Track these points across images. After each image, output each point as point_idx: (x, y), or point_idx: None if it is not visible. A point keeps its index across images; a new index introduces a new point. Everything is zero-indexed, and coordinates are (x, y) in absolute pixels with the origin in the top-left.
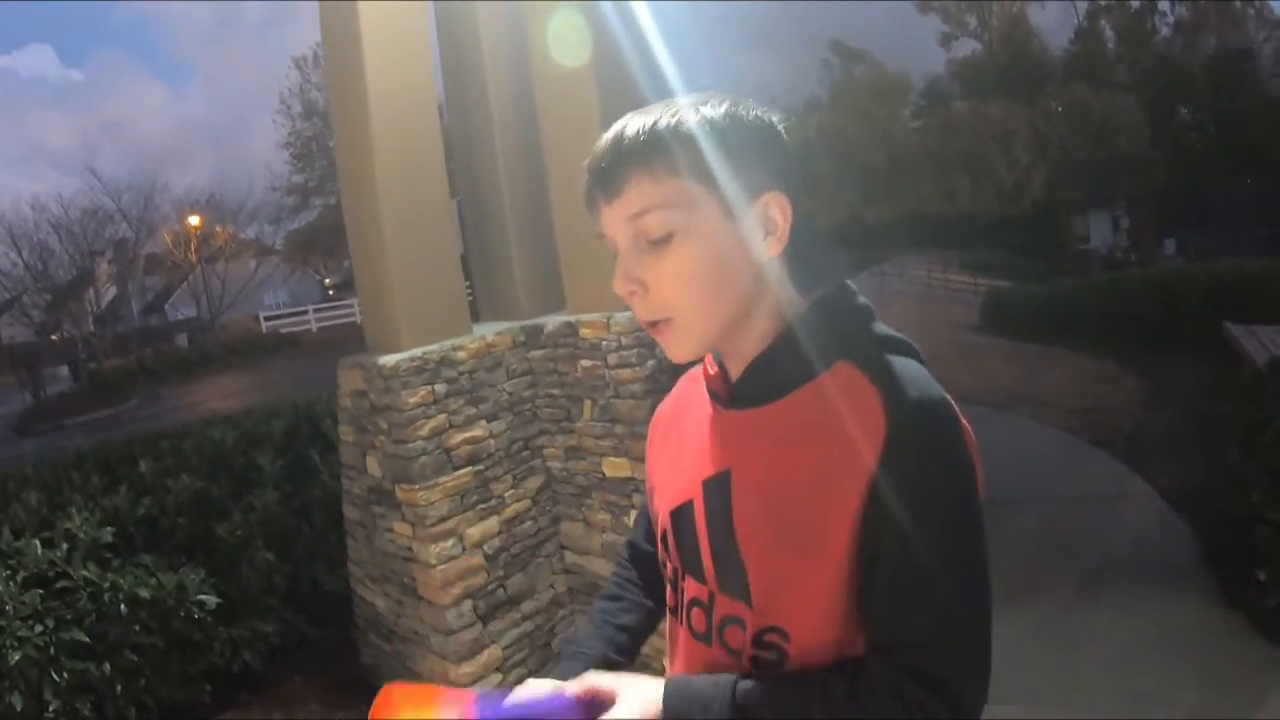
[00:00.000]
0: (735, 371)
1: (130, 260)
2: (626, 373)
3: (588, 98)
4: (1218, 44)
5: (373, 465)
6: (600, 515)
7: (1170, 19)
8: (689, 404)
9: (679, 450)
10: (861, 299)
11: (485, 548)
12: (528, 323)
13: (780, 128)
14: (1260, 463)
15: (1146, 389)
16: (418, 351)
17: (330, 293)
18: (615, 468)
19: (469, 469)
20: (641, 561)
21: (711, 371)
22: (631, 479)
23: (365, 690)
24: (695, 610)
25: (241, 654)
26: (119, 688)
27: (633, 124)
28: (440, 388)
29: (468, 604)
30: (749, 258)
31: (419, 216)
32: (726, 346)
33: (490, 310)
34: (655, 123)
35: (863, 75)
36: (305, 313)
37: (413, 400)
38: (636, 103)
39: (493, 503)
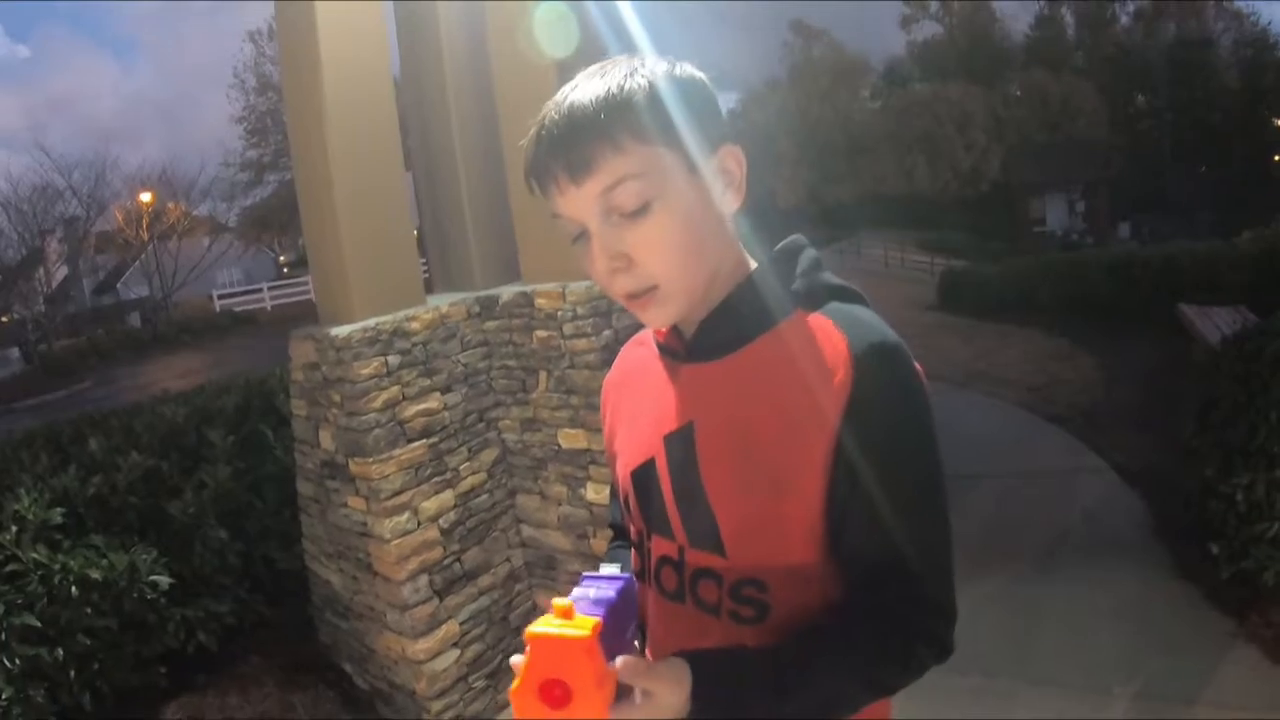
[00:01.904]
0: (690, 327)
1: (81, 239)
2: (582, 343)
3: (544, 66)
4: (1177, 33)
5: (325, 439)
6: (557, 488)
7: (1130, 7)
8: (637, 367)
9: (634, 412)
10: (812, 250)
11: (441, 521)
12: (482, 293)
13: (706, 81)
14: (1213, 438)
15: (1101, 367)
16: (370, 322)
17: (285, 270)
18: (571, 439)
19: (423, 441)
20: (621, 532)
21: (663, 329)
22: (588, 450)
23: (324, 669)
24: (665, 569)
25: (196, 635)
26: (72, 673)
27: (583, 94)
28: (393, 359)
29: (424, 579)
30: (715, 213)
31: (371, 186)
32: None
33: (445, 282)
34: (609, 91)
35: (822, 55)
36: (259, 291)
37: (365, 372)
38: (594, 62)
39: (448, 476)
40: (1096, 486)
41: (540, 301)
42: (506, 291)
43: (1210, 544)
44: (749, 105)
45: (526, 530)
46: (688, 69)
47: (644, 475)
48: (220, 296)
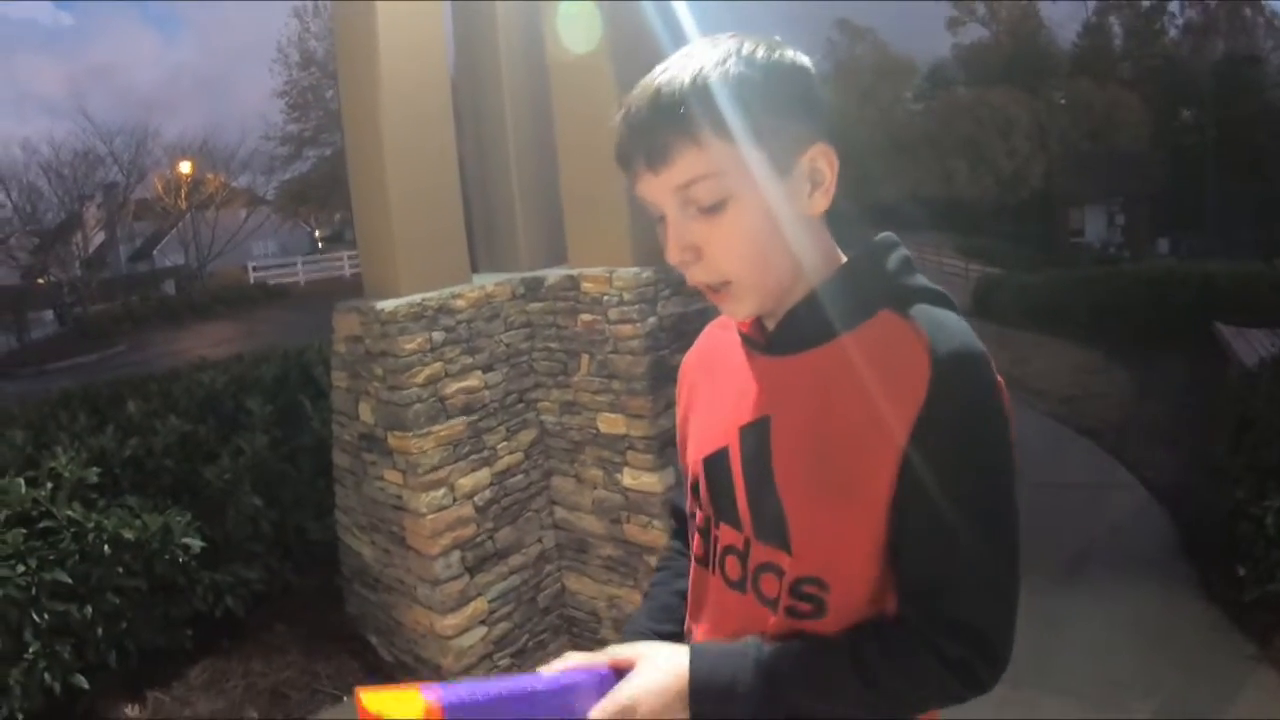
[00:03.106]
0: (774, 319)
1: (120, 205)
2: (627, 328)
3: (599, 49)
4: (1225, 49)
5: (365, 412)
6: (593, 471)
7: (1179, 21)
8: (719, 351)
9: (711, 398)
10: (904, 250)
11: (476, 499)
12: (528, 274)
13: (814, 74)
14: (1246, 460)
15: (1134, 382)
16: (416, 298)
17: (319, 245)
18: (610, 424)
19: (462, 419)
20: (683, 521)
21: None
22: (625, 436)
23: (349, 639)
24: (729, 558)
25: (224, 599)
26: (100, 630)
27: (671, 79)
28: (437, 335)
29: (456, 555)
30: (798, 213)
31: (422, 161)
32: (779, 301)
33: (489, 261)
34: (695, 79)
35: (866, 54)
36: (294, 264)
37: (409, 347)
38: (646, 58)
39: (485, 454)
40: (1125, 501)
41: (586, 285)
42: (552, 274)
43: (1238, 565)
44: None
45: (560, 512)
46: (788, 57)
47: (717, 463)
48: (255, 268)
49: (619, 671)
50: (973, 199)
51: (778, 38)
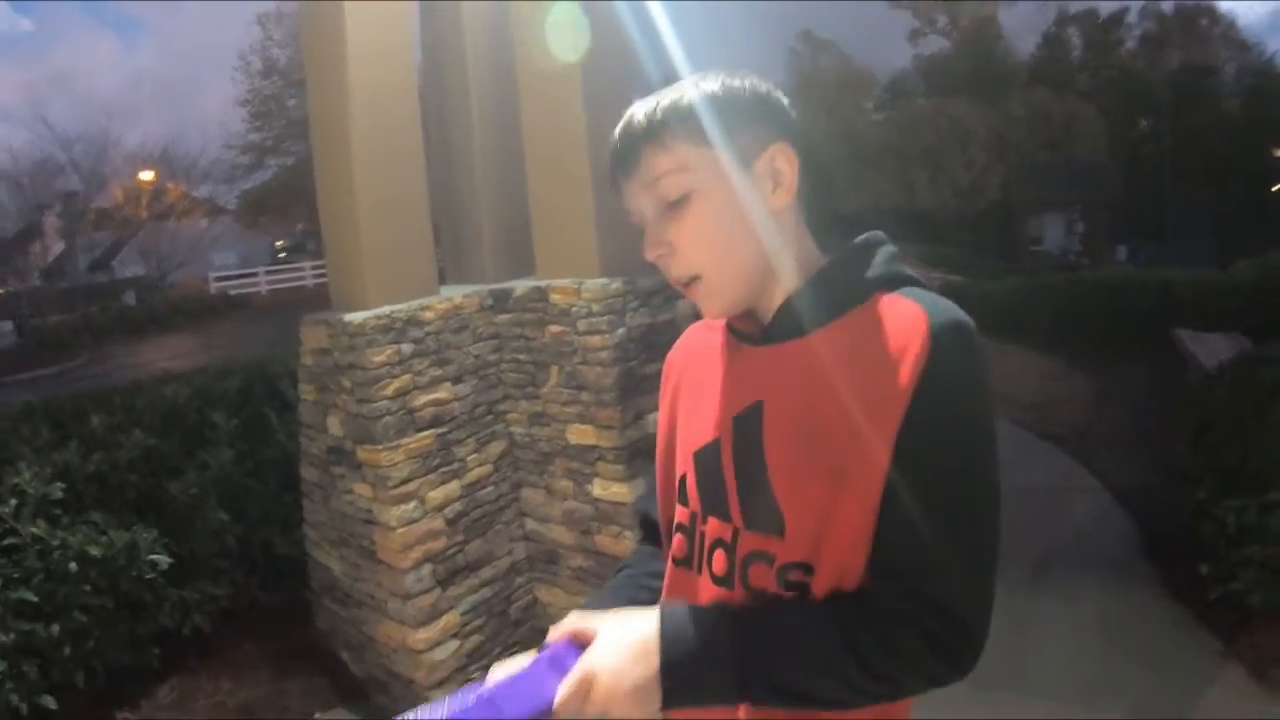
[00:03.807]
0: (767, 311)
1: (79, 214)
2: (596, 339)
3: (566, 60)
4: (1182, 59)
5: (334, 425)
6: (562, 483)
7: (1137, 32)
8: (704, 349)
9: (699, 394)
10: (891, 245)
11: (446, 512)
12: (495, 286)
13: (776, 93)
14: (1206, 461)
15: (1096, 387)
16: (385, 310)
17: (280, 255)
18: (580, 435)
19: (431, 431)
20: (654, 529)
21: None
22: (595, 447)
23: (319, 655)
24: (717, 552)
25: (192, 617)
26: (67, 650)
27: (640, 108)
28: (406, 347)
29: (427, 568)
30: (763, 209)
31: (391, 172)
32: (755, 297)
33: (456, 272)
34: (659, 103)
35: (829, 67)
36: (255, 275)
37: (378, 359)
38: (614, 69)
39: (454, 466)
40: (1089, 505)
41: (555, 297)
42: (520, 285)
43: (1200, 565)
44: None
45: (530, 524)
46: (749, 80)
47: (708, 456)
48: (215, 279)
49: (582, 645)
50: (933, 209)
51: (745, 70)
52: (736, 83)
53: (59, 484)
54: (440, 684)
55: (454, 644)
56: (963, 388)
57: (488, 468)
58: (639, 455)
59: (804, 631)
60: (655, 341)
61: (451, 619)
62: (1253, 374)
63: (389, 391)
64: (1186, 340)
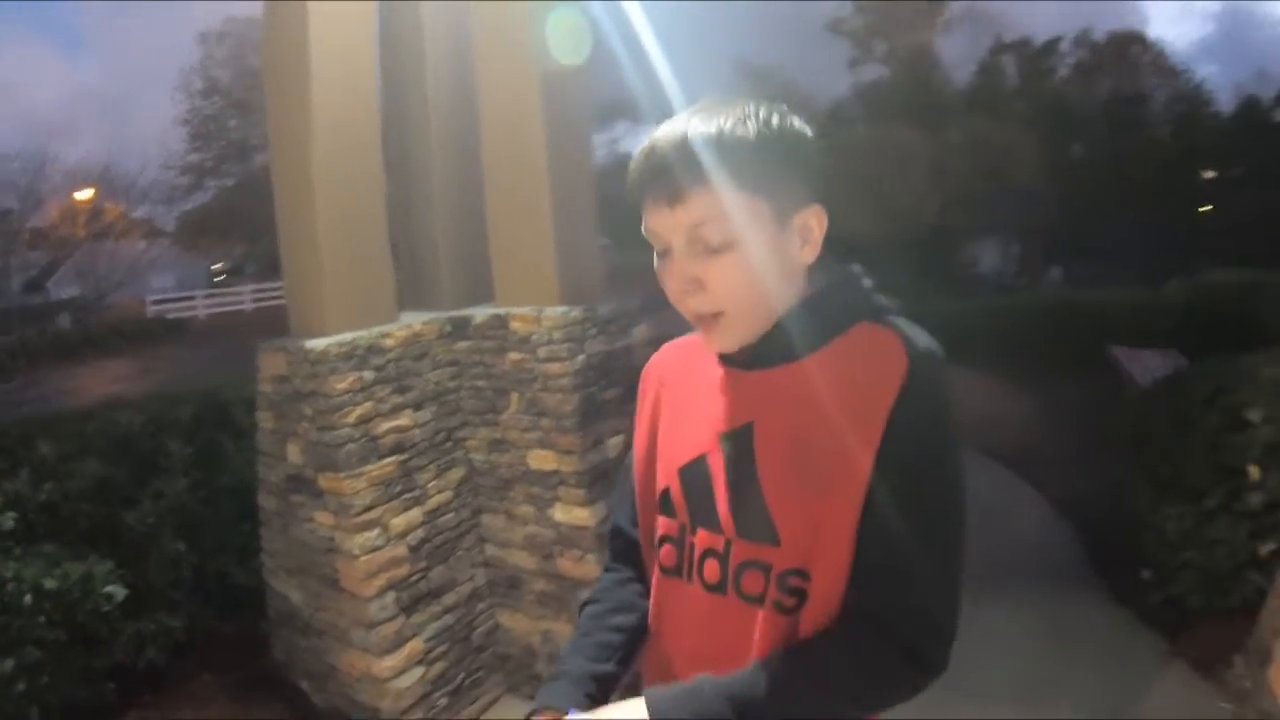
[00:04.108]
0: (753, 338)
1: (14, 234)
2: (556, 366)
3: (528, 84)
4: (1114, 87)
5: (293, 452)
6: (523, 508)
7: (1070, 60)
8: (685, 368)
9: (683, 411)
10: (869, 279)
11: (409, 539)
12: (454, 313)
13: (817, 148)
14: (1144, 473)
15: (1037, 405)
16: (347, 336)
17: (218, 279)
18: (541, 460)
19: (394, 458)
20: (627, 544)
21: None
22: (556, 472)
23: (278, 686)
24: (709, 561)
25: (147, 650)
26: (21, 685)
27: (696, 128)
28: (368, 375)
29: (390, 595)
30: (789, 263)
31: (352, 200)
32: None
33: (413, 298)
34: (719, 131)
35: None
36: (193, 298)
37: (341, 386)
38: (576, 100)
39: (416, 493)
40: (1033, 518)
41: (515, 324)
42: (479, 313)
43: (1142, 571)
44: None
45: (490, 549)
46: (795, 125)
47: (694, 471)
48: (153, 302)
49: None
50: (874, 235)
51: (784, 106)
52: (788, 127)
53: (10, 514)
54: (405, 711)
55: (419, 671)
56: (934, 411)
57: (448, 494)
58: (599, 479)
59: (791, 690)
60: (613, 368)
61: (416, 646)
62: (1186, 388)
63: (351, 419)
64: (1122, 358)
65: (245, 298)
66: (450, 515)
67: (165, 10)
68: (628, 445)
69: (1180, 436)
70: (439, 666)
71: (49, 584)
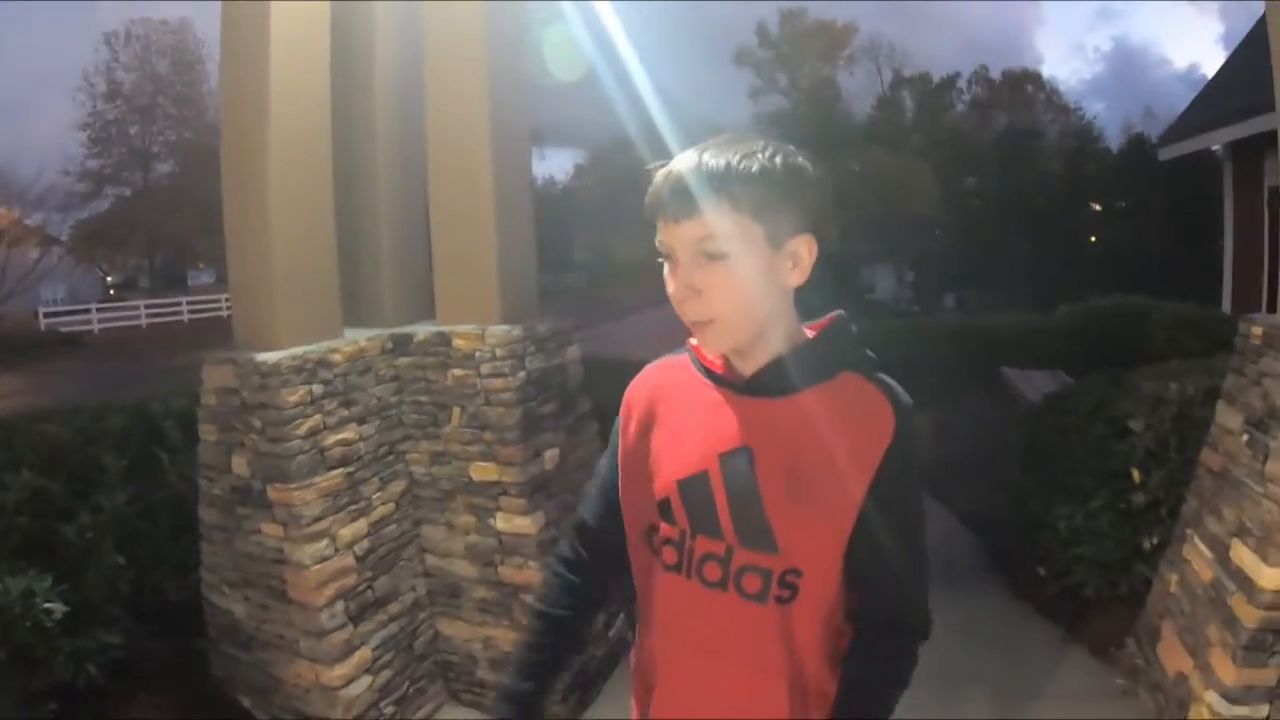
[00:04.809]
0: (750, 368)
1: None
2: (499, 382)
3: (476, 106)
4: (1009, 122)
5: (239, 465)
6: (464, 518)
7: (966, 96)
8: (674, 388)
9: (677, 428)
10: (854, 327)
11: (355, 549)
12: (396, 330)
13: (820, 184)
14: (1038, 480)
15: (937, 422)
16: (298, 350)
17: (112, 292)
18: (483, 471)
19: (341, 470)
20: (593, 538)
21: (718, 363)
22: (498, 482)
23: (218, 703)
24: (709, 563)
25: (86, 667)
26: None
27: (712, 158)
28: (317, 388)
29: (340, 605)
30: (778, 282)
31: (304, 213)
32: (746, 349)
33: (353, 315)
34: (730, 163)
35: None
36: (88, 311)
37: (292, 399)
38: (517, 128)
39: (361, 504)
40: (938, 528)
41: (458, 342)
42: (421, 330)
43: (1039, 567)
44: (595, 163)
45: (431, 560)
46: (799, 162)
47: (695, 485)
48: (46, 314)
49: None
50: None
51: (791, 146)
52: (791, 163)
53: None
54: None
55: (367, 679)
56: (913, 452)
57: (390, 506)
58: (539, 490)
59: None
60: (549, 384)
61: (364, 654)
62: (1073, 402)
63: (302, 431)
64: (1014, 378)
65: (141, 314)
66: (393, 526)
67: (68, 10)
68: (563, 457)
69: (1067, 445)
70: (385, 675)
71: None
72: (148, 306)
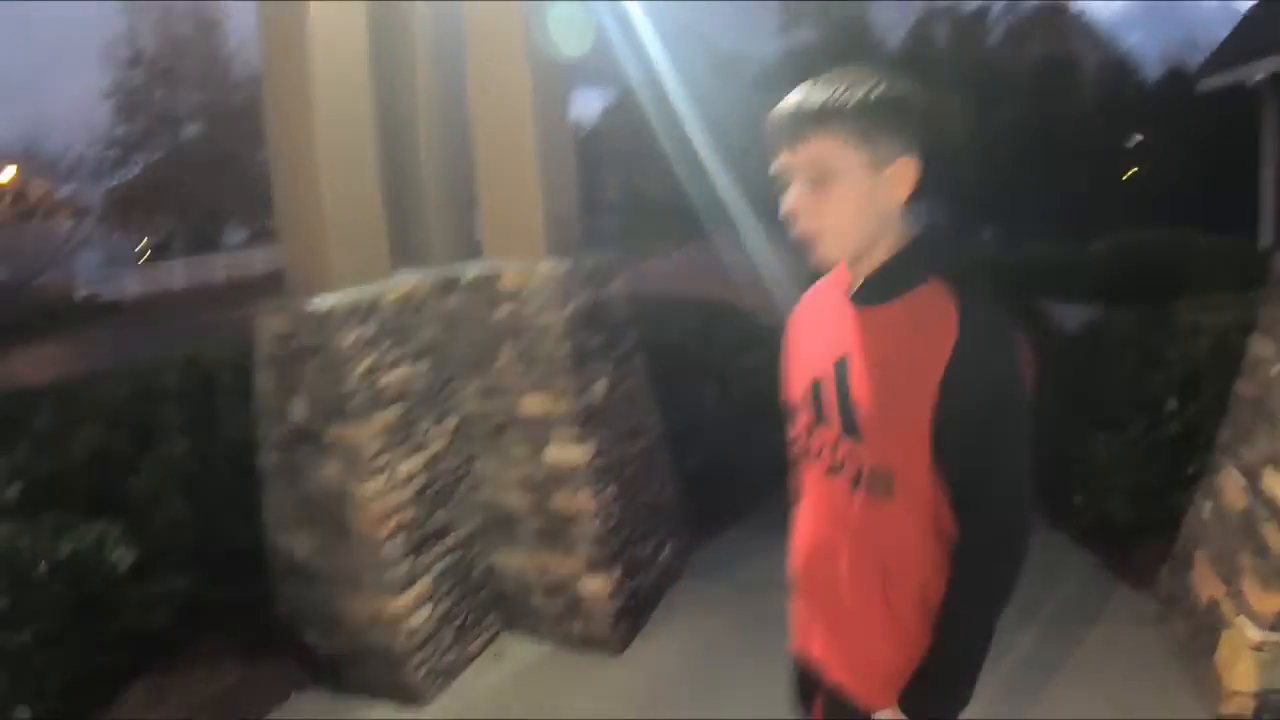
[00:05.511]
0: (858, 280)
1: None
2: (547, 316)
3: (516, 37)
4: (1043, 54)
5: (299, 407)
6: (516, 450)
7: (1003, 25)
8: (813, 304)
9: (816, 334)
10: (943, 235)
11: (413, 483)
12: (446, 269)
13: (923, 108)
14: (1074, 411)
15: None
16: (351, 293)
17: (148, 255)
18: (533, 405)
19: (397, 406)
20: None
21: (845, 275)
22: (549, 415)
23: (285, 639)
24: (825, 449)
25: (157, 613)
26: (37, 656)
27: (814, 94)
28: (371, 329)
29: (401, 537)
30: (881, 200)
31: (350, 159)
32: (855, 263)
33: (402, 256)
34: (836, 93)
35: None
36: (124, 276)
37: (347, 341)
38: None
39: (417, 440)
40: None
41: (506, 279)
42: (470, 269)
43: (1075, 497)
44: (623, 104)
45: (485, 492)
46: (898, 94)
47: (820, 385)
48: (84, 282)
49: None
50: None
51: (894, 77)
52: (892, 92)
53: (17, 484)
54: (418, 648)
55: (427, 609)
56: (985, 354)
57: (445, 441)
58: (590, 419)
59: (973, 624)
60: (596, 316)
61: (425, 585)
62: (1109, 334)
63: (359, 371)
64: (1047, 310)
65: (177, 275)
66: (448, 461)
67: None
68: (611, 388)
69: (1104, 377)
70: (444, 605)
71: (63, 550)
72: (184, 268)
